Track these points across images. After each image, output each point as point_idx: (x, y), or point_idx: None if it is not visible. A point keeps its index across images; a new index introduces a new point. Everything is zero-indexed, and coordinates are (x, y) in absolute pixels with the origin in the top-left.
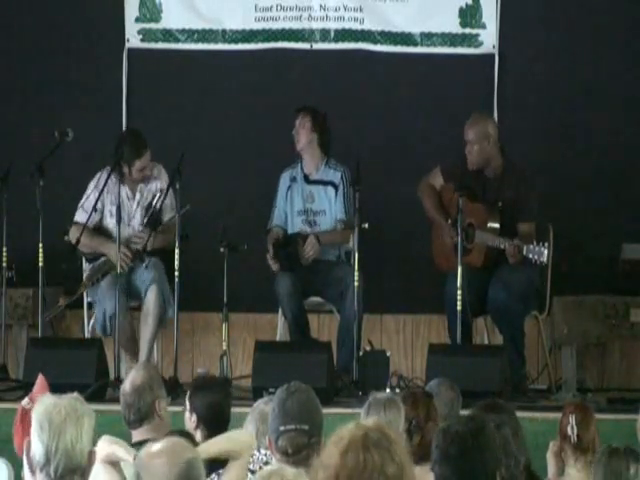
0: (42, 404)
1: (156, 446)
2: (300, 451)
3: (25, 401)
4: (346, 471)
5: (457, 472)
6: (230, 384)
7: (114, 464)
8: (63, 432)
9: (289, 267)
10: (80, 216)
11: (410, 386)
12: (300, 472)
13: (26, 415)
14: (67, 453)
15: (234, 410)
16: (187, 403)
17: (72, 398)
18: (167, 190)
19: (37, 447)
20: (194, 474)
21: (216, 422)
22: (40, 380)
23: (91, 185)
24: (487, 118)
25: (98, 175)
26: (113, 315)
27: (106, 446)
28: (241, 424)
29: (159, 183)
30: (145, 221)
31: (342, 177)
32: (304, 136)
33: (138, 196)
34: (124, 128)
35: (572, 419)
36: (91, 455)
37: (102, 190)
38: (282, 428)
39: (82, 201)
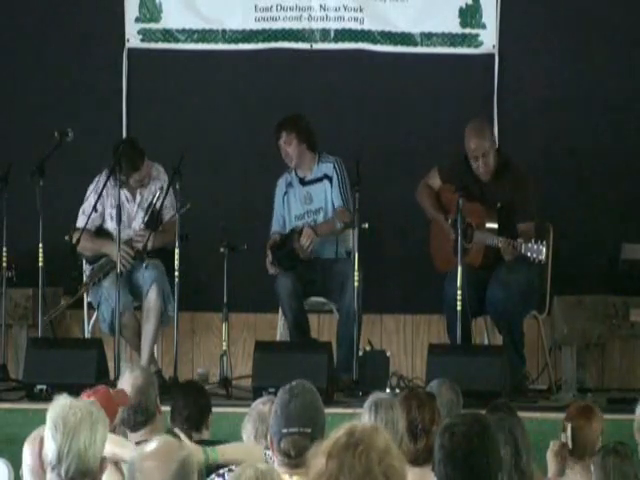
0: (58, 404)
1: (149, 447)
2: (302, 454)
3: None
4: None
5: (462, 473)
6: (231, 384)
7: (116, 464)
8: (77, 434)
9: (290, 265)
10: (81, 221)
11: (410, 386)
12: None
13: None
14: (79, 455)
15: (234, 410)
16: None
17: (89, 402)
18: (167, 190)
19: (50, 446)
20: (186, 473)
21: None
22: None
23: (90, 188)
24: (487, 123)
25: (97, 179)
26: (121, 313)
27: (111, 445)
28: (240, 424)
29: (158, 183)
30: (145, 220)
31: (334, 166)
32: (295, 152)
33: (138, 198)
34: (124, 128)
35: (568, 427)
36: (103, 462)
37: (101, 193)
38: (284, 431)
39: (83, 206)
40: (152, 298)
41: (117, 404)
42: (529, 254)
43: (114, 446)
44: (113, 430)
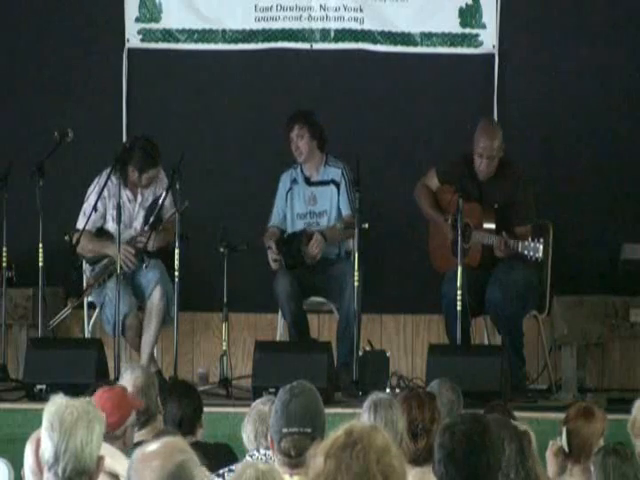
0: (54, 404)
1: (149, 448)
2: (302, 453)
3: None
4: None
5: (462, 472)
6: (231, 384)
7: (113, 475)
8: (74, 433)
9: (292, 265)
10: (81, 223)
11: (410, 386)
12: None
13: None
14: (76, 454)
15: (234, 410)
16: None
17: (85, 401)
18: (167, 190)
19: (47, 446)
20: (183, 477)
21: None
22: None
23: (90, 189)
24: (499, 126)
25: (96, 180)
26: (126, 315)
27: (106, 455)
28: (240, 424)
29: (159, 183)
30: (150, 221)
31: (342, 173)
32: (305, 147)
33: (140, 198)
34: (124, 128)
35: (564, 429)
36: (100, 461)
37: (102, 192)
38: (285, 430)
39: (84, 207)
40: (156, 299)
41: (131, 406)
42: (526, 252)
43: (108, 457)
44: (124, 431)
